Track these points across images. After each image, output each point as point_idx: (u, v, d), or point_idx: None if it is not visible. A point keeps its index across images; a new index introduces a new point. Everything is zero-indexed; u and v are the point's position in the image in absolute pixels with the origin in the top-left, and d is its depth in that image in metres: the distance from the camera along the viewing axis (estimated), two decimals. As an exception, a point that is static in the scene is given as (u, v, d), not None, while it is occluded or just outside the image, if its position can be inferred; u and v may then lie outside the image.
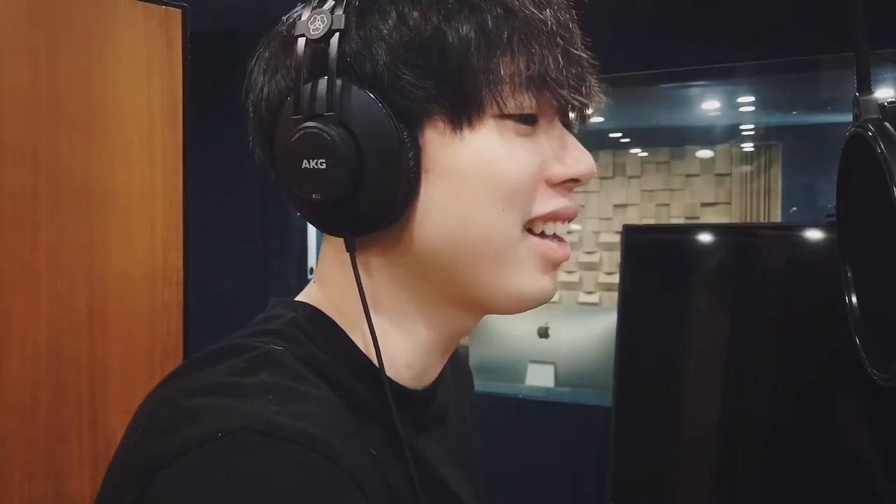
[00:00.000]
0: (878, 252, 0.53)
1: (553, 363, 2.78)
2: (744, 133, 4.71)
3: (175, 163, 1.26)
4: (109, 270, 1.19)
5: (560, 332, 3.00)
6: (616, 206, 5.06)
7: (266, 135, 0.52)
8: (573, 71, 0.50)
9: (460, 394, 0.68)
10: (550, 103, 0.50)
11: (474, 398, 0.74)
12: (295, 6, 0.52)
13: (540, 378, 2.75)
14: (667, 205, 5.03)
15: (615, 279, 1.66)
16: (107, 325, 1.19)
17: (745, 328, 1.45)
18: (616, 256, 4.38)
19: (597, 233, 5.01)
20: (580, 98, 0.50)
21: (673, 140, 4.95)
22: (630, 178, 5.08)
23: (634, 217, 4.99)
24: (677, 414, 1.51)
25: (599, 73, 0.52)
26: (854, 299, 0.59)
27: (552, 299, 0.54)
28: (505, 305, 0.52)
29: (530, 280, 0.51)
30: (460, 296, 0.52)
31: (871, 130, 0.51)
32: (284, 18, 0.53)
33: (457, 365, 0.69)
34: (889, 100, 0.57)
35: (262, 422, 0.40)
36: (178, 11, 1.27)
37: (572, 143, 0.52)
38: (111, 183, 1.19)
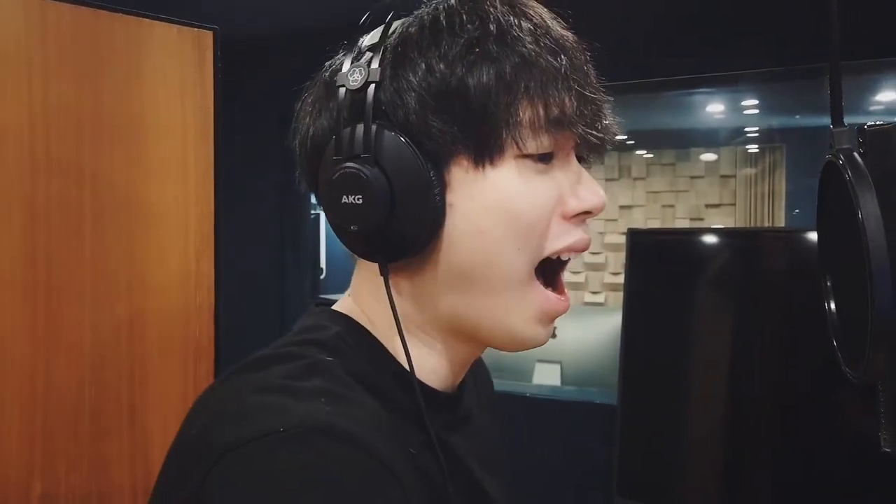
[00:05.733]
0: (850, 264, 0.60)
1: (559, 362, 2.81)
2: (748, 135, 4.75)
3: (207, 176, 1.33)
4: (147, 277, 1.28)
5: (567, 331, 3.03)
6: (622, 207, 5.10)
7: (311, 170, 0.57)
8: (588, 110, 0.54)
9: (481, 393, 0.74)
10: (567, 141, 0.54)
11: (494, 395, 0.79)
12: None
13: (547, 377, 2.78)
14: (672, 206, 5.08)
15: (620, 279, 1.69)
16: (145, 328, 1.28)
17: (749, 329, 1.47)
18: (621, 257, 4.42)
19: (602, 234, 5.05)
20: (595, 134, 0.55)
21: (678, 142, 4.99)
22: (635, 179, 5.12)
23: (640, 218, 5.03)
24: (682, 412, 1.53)
25: (614, 111, 0.57)
26: (832, 306, 0.66)
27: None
28: (501, 343, 0.57)
29: (527, 327, 0.56)
30: (467, 327, 0.57)
31: (841, 159, 0.58)
32: (328, 65, 0.59)
33: (475, 366, 0.73)
34: (868, 123, 0.65)
35: (318, 420, 0.45)
36: (210, 33, 1.35)
37: (586, 177, 0.56)
38: (149, 195, 1.27)
